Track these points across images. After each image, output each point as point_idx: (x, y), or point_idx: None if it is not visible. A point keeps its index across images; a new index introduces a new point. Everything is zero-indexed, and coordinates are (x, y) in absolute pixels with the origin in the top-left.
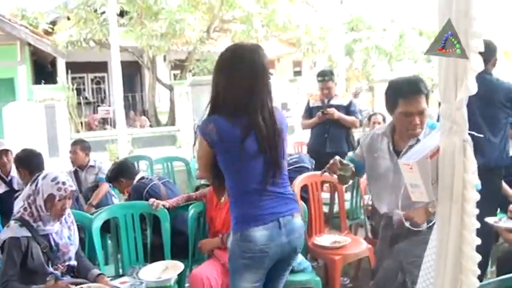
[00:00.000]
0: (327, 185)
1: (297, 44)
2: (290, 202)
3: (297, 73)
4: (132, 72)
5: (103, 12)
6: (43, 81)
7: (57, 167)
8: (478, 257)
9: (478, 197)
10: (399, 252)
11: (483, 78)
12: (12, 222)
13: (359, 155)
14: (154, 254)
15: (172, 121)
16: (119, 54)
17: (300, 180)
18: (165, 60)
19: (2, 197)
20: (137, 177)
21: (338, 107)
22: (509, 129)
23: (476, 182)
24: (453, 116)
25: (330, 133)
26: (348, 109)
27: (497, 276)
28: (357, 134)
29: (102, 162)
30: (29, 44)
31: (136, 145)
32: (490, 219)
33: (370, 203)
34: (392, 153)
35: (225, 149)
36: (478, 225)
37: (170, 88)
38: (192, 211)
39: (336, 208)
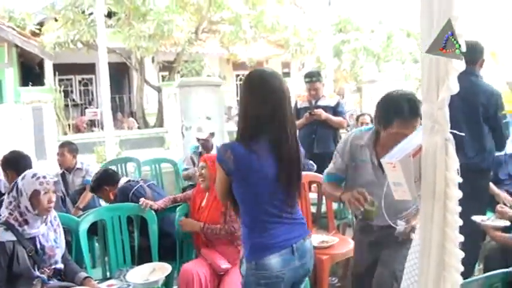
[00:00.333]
0: (315, 185)
1: (285, 45)
2: (302, 227)
3: (286, 74)
4: (120, 73)
5: (91, 13)
6: (30, 83)
7: (45, 170)
8: (461, 254)
9: (460, 194)
10: (391, 261)
11: (468, 80)
12: None
13: (339, 167)
14: (141, 256)
15: (160, 123)
16: (107, 56)
17: None
18: (153, 61)
19: None
20: (122, 181)
21: (325, 108)
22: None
23: (458, 180)
24: (435, 116)
25: (318, 134)
26: (335, 110)
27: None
28: (344, 134)
29: (90, 164)
30: (16, 46)
31: (124, 147)
32: (477, 218)
33: None
34: (376, 166)
35: (242, 176)
36: (460, 222)
37: (158, 90)
38: (178, 213)
39: (323, 208)
